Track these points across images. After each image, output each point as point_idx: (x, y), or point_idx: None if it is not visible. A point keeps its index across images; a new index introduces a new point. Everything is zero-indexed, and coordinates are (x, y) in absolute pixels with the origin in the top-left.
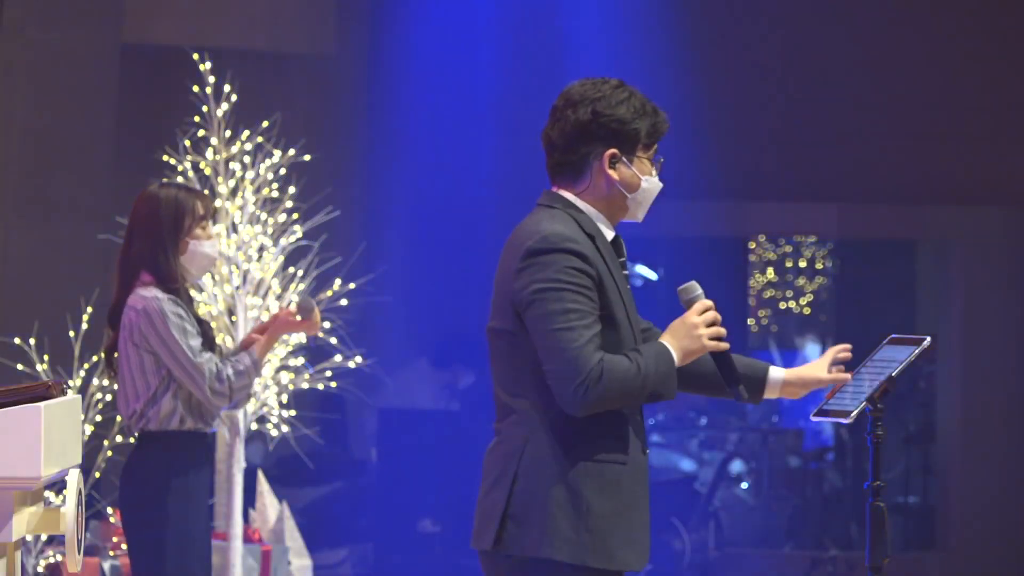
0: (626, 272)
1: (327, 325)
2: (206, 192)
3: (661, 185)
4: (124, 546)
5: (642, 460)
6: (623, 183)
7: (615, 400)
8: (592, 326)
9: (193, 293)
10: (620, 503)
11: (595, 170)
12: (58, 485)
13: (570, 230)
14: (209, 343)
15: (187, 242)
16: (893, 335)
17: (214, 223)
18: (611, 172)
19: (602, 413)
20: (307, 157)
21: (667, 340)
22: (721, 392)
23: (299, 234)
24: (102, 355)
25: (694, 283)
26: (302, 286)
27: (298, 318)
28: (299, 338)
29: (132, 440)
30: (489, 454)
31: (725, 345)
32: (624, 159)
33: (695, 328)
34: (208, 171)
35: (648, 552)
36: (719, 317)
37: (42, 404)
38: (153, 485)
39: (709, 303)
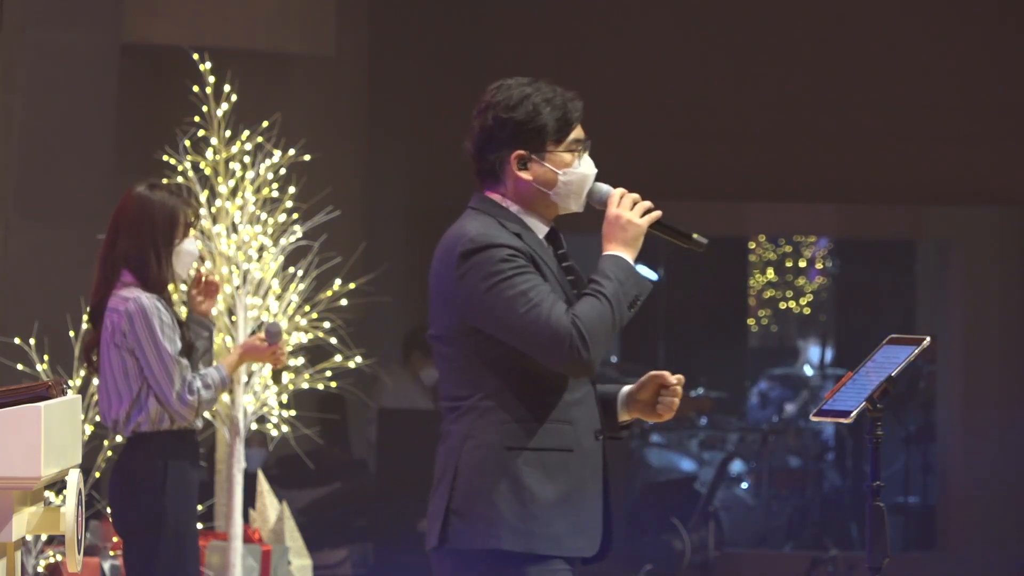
0: (567, 264)
1: (327, 325)
2: (205, 192)
3: (591, 172)
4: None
5: (593, 447)
6: (539, 181)
7: (608, 334)
8: (549, 294)
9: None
10: (565, 488)
11: (507, 174)
12: (58, 485)
13: (493, 230)
14: (187, 347)
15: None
16: (893, 335)
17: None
18: (521, 174)
19: (542, 403)
20: (307, 157)
21: (610, 248)
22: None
23: (299, 234)
24: (80, 353)
25: (595, 184)
26: (302, 286)
27: (266, 343)
28: (298, 338)
29: (120, 439)
30: (437, 456)
31: (659, 212)
32: (535, 157)
33: (621, 218)
34: (208, 171)
35: (599, 537)
36: (636, 195)
37: (42, 404)
38: (150, 484)
39: (620, 190)
